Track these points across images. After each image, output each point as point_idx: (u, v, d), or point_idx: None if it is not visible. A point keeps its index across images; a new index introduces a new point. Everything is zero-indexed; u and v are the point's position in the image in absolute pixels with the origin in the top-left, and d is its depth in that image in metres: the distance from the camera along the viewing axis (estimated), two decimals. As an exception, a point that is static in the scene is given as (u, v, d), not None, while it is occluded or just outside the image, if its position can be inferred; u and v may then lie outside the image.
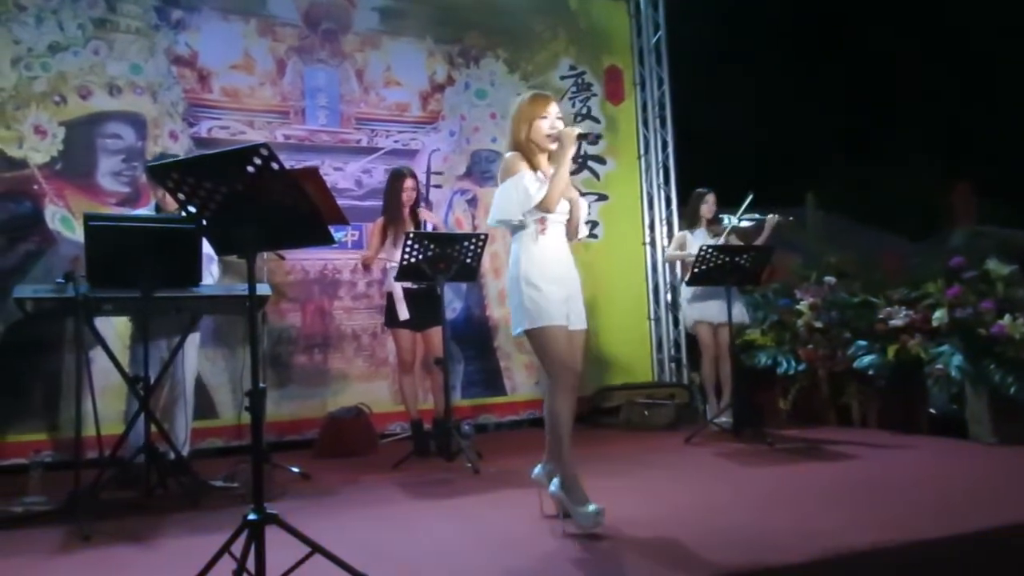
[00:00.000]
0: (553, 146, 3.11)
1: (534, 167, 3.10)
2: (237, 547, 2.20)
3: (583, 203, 3.25)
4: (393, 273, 4.57)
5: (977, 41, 9.48)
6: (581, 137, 3.10)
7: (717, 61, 8.16)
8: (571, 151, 3.06)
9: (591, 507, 2.85)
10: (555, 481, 3.04)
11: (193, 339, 4.15)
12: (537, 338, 3.01)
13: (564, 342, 3.00)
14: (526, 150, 3.13)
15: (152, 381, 3.62)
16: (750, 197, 5.38)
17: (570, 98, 6.58)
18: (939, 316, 4.62)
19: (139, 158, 5.16)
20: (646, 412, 5.75)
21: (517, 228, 3.12)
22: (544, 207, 3.02)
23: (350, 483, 4.07)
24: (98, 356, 3.70)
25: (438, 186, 5.98)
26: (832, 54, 9.63)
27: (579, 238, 3.26)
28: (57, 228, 4.97)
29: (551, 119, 3.13)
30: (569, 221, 3.18)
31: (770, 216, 5.46)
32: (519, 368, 6.12)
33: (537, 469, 3.23)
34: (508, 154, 3.14)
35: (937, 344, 4.67)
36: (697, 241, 5.38)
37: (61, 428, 4.77)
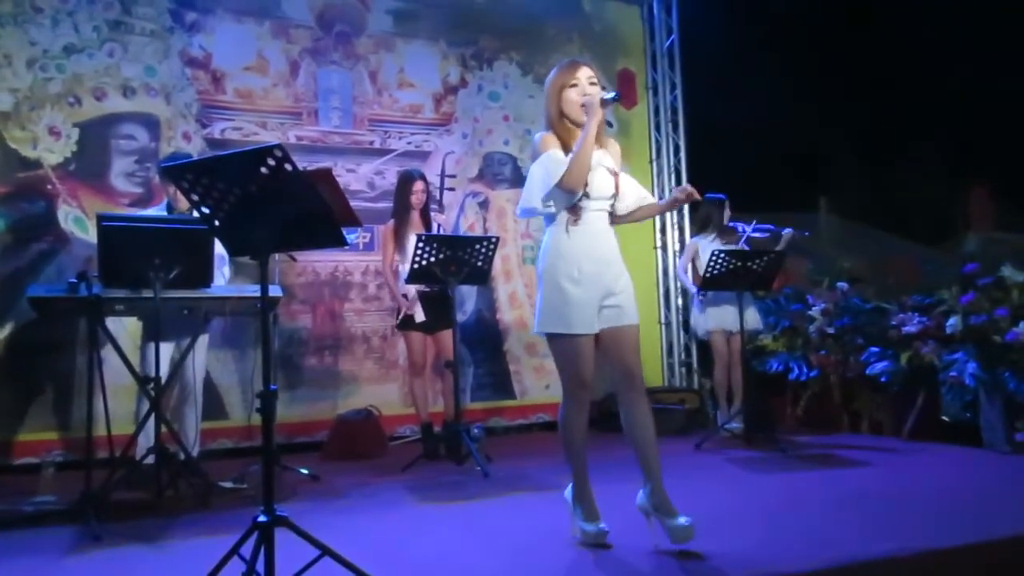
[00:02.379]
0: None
1: (569, 148, 2.73)
2: (247, 549, 2.20)
3: (633, 183, 2.88)
4: (404, 275, 4.57)
5: (997, 44, 9.41)
6: (607, 103, 2.73)
7: (730, 65, 8.13)
8: (596, 119, 2.69)
9: (597, 527, 2.73)
10: (568, 488, 2.87)
11: (203, 340, 4.15)
12: (553, 344, 2.78)
13: (583, 353, 2.72)
14: (560, 128, 2.79)
15: (163, 381, 3.63)
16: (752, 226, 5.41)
17: (582, 101, 6.56)
18: (953, 323, 4.58)
19: (152, 159, 5.19)
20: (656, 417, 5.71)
21: (550, 217, 2.80)
22: (566, 186, 2.66)
23: (359, 485, 4.07)
24: (109, 356, 3.71)
25: (452, 189, 5.97)
26: (847, 58, 9.58)
27: (630, 217, 2.88)
28: (70, 228, 5.00)
29: (582, 85, 2.76)
30: (613, 206, 2.81)
31: (786, 230, 5.43)
32: (529, 372, 6.11)
33: (640, 497, 2.80)
34: (537, 134, 2.83)
35: (951, 351, 4.64)
36: (709, 249, 5.34)
37: (72, 428, 4.79)
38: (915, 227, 8.26)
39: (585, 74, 2.77)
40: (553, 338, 2.76)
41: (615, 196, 2.81)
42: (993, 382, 4.40)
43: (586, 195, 2.73)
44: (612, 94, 2.76)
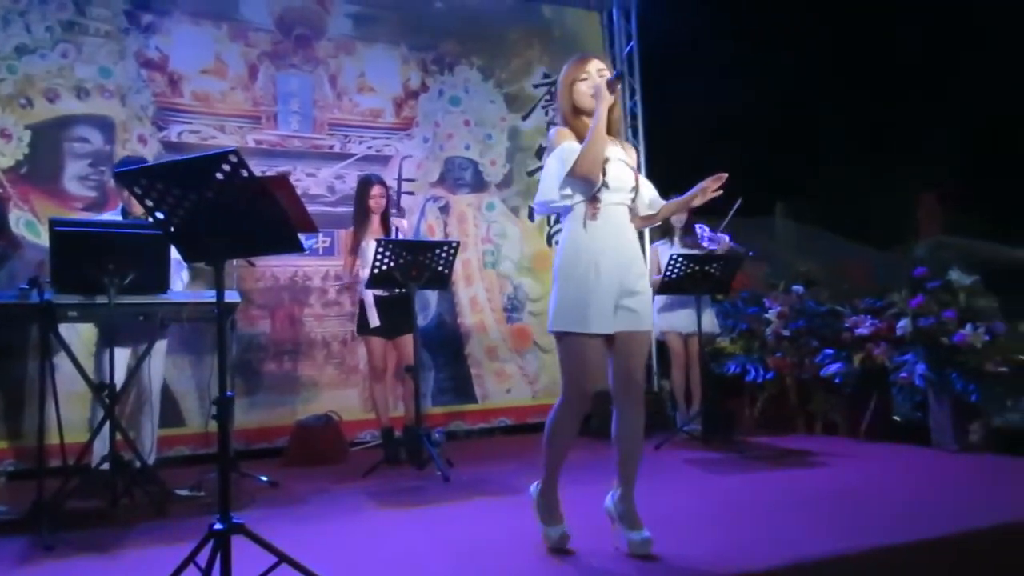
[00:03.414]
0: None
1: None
2: (203, 557, 2.18)
3: (647, 182, 2.83)
4: (364, 280, 4.56)
5: (943, 57, 9.69)
6: (614, 84, 2.67)
7: (689, 71, 8.24)
8: (606, 103, 2.63)
9: (558, 531, 2.72)
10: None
11: (160, 346, 4.10)
12: (562, 344, 2.68)
13: (591, 357, 2.64)
14: (575, 123, 2.74)
15: (118, 388, 3.58)
16: (739, 201, 5.41)
17: (543, 106, 6.60)
18: (903, 325, 4.69)
19: (107, 162, 5.10)
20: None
21: (567, 212, 2.71)
22: (579, 174, 2.59)
23: (319, 491, 4.05)
24: (63, 362, 3.64)
25: (410, 193, 5.96)
26: (805, 65, 9.76)
27: (654, 218, 2.84)
28: (22, 233, 4.88)
29: (592, 78, 2.71)
30: (636, 200, 2.75)
31: (721, 242, 5.48)
32: (490, 376, 6.12)
33: (608, 500, 2.83)
34: (552, 129, 2.78)
35: (901, 353, 4.75)
36: (669, 251, 5.40)
37: (24, 436, 4.68)
38: (868, 232, 8.45)
39: (595, 66, 2.74)
40: (563, 337, 2.67)
41: (635, 191, 2.75)
42: (941, 383, 4.51)
43: (605, 186, 2.65)
44: (615, 73, 2.73)
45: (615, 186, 2.67)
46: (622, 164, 2.73)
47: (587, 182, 2.64)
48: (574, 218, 2.68)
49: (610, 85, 2.66)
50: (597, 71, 2.72)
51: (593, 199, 2.66)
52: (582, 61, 2.77)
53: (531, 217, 6.33)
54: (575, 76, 2.74)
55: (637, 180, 2.76)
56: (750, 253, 5.57)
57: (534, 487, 2.83)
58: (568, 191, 2.66)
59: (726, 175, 2.77)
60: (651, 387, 6.65)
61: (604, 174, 2.65)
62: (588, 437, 4.74)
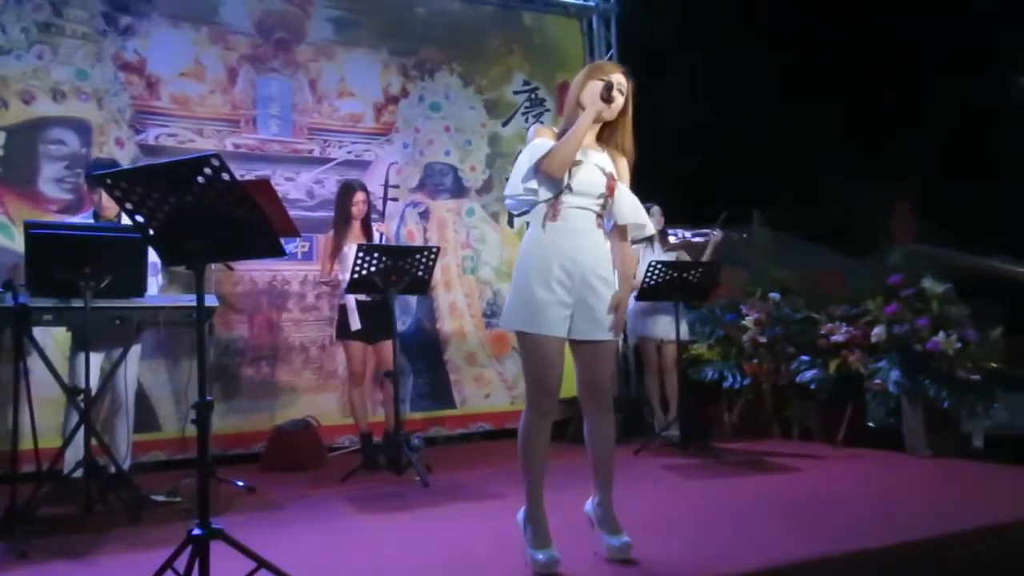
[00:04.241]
0: (605, 114, 2.65)
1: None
2: (181, 563, 2.17)
3: (630, 195, 2.71)
4: (344, 285, 4.55)
5: (918, 67, 9.84)
6: (606, 91, 2.60)
7: (668, 79, 8.30)
8: (591, 111, 2.59)
9: (548, 554, 2.55)
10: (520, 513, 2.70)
11: (134, 350, 4.06)
12: (521, 343, 2.65)
13: (550, 357, 2.58)
14: (573, 116, 2.66)
15: (93, 393, 3.54)
16: (724, 213, 5.49)
17: (523, 113, 6.63)
18: (878, 332, 4.75)
19: (83, 165, 5.04)
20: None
21: (532, 212, 2.66)
22: (545, 169, 2.54)
23: (297, 497, 4.03)
24: (36, 366, 3.60)
25: (395, 199, 5.95)
26: (781, 74, 9.88)
27: (633, 237, 2.75)
28: (-5, 235, 4.84)
29: (608, 82, 2.62)
30: (605, 209, 2.66)
31: (714, 232, 5.58)
32: (469, 381, 6.12)
33: (588, 504, 2.79)
34: (533, 126, 2.72)
35: (876, 359, 4.81)
36: (648, 257, 5.45)
37: (-4, 441, 4.62)
38: (844, 240, 8.56)
39: (617, 77, 2.66)
40: (520, 337, 2.63)
41: (605, 197, 2.65)
42: (915, 389, 4.58)
43: (568, 188, 2.59)
44: (605, 83, 2.63)
45: (579, 190, 2.61)
46: (596, 170, 2.65)
47: (551, 181, 2.59)
48: (535, 217, 2.65)
49: (606, 92, 2.61)
50: (618, 84, 2.65)
51: (555, 200, 2.61)
52: (613, 67, 2.74)
53: (511, 223, 6.35)
54: (596, 75, 2.67)
55: (611, 189, 2.66)
56: (739, 235, 5.64)
57: (520, 514, 2.70)
58: (532, 185, 2.60)
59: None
60: (629, 393, 6.69)
61: (570, 176, 2.59)
62: (566, 443, 4.77)
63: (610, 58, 6.96)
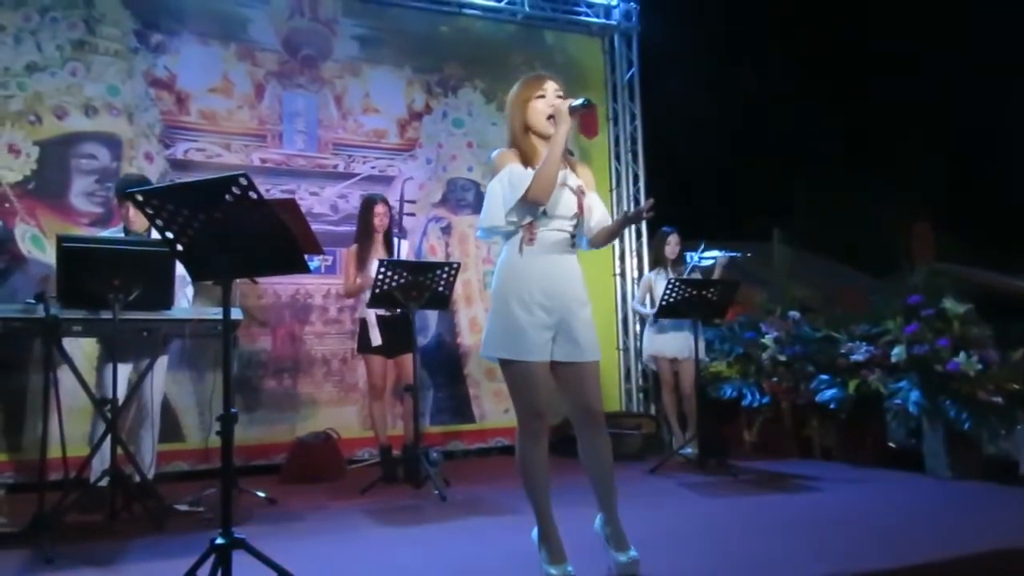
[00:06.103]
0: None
1: (532, 163, 2.60)
2: (203, 572, 2.22)
3: (599, 203, 2.75)
4: (365, 299, 4.60)
5: (941, 83, 9.82)
6: (577, 110, 2.59)
7: (689, 98, 8.35)
8: (565, 127, 2.56)
9: (563, 570, 2.56)
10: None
11: (161, 361, 4.14)
12: (504, 370, 2.63)
13: (536, 380, 2.57)
14: (524, 145, 2.66)
15: (119, 403, 3.62)
16: (650, 201, 5.47)
17: (544, 130, 6.67)
18: (898, 352, 4.73)
19: (113, 179, 5.14)
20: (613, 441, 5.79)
21: (506, 236, 2.65)
22: (532, 198, 2.52)
23: (317, 508, 4.07)
24: (65, 376, 3.68)
25: (412, 214, 6.02)
26: (800, 93, 9.90)
27: (600, 245, 2.77)
28: (28, 247, 4.95)
29: (549, 96, 2.64)
30: (577, 228, 2.67)
31: (720, 255, 5.57)
32: (488, 396, 6.16)
33: (597, 521, 2.77)
34: (494, 152, 2.69)
35: (896, 380, 4.78)
36: (663, 282, 5.44)
37: (25, 449, 4.72)
38: (865, 258, 8.52)
39: (552, 86, 2.66)
40: (504, 364, 2.62)
41: (578, 217, 2.68)
42: (935, 410, 4.55)
43: (544, 213, 2.60)
44: (581, 100, 2.62)
45: (554, 213, 2.62)
46: (566, 191, 2.66)
47: (530, 206, 2.57)
48: (511, 243, 2.64)
49: (573, 110, 2.59)
50: (554, 91, 2.65)
51: (531, 225, 2.61)
52: (538, 80, 2.70)
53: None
54: (531, 94, 2.66)
55: (581, 207, 2.68)
56: (746, 254, 5.62)
57: (535, 532, 2.69)
58: (515, 216, 2.60)
59: (653, 200, 2.79)
60: (647, 410, 6.69)
61: None
62: (575, 458, 4.79)
63: (631, 77, 7.01)
